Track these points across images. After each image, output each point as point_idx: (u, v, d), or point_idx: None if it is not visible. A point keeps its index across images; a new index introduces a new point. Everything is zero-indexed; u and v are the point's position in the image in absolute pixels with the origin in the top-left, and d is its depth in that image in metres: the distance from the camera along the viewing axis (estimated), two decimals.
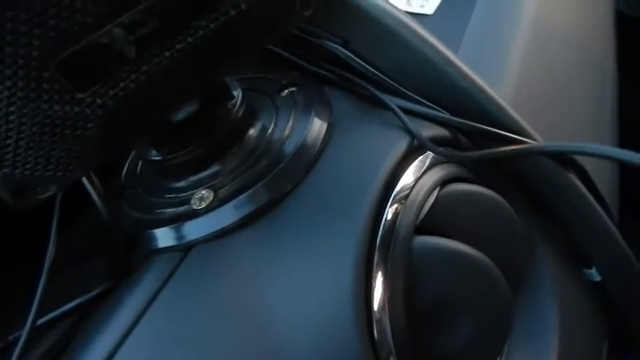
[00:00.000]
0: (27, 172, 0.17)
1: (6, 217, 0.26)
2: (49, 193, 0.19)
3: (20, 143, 0.16)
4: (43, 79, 0.15)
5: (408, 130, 0.27)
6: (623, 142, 0.47)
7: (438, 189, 0.26)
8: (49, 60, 0.15)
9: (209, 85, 0.25)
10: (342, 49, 0.29)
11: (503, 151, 0.25)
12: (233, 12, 0.18)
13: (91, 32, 0.15)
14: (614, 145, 0.45)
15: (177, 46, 0.17)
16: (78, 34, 0.15)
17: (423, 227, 0.25)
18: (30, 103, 0.15)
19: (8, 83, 0.15)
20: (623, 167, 0.45)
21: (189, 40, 0.18)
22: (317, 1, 0.21)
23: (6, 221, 0.26)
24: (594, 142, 0.44)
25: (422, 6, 0.45)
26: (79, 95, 0.16)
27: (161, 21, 0.17)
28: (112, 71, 0.17)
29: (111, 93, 0.17)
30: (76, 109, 0.16)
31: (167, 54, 0.17)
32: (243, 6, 0.18)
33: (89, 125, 0.17)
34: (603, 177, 0.37)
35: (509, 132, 0.28)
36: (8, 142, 0.16)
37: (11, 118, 0.15)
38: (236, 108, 0.26)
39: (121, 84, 0.17)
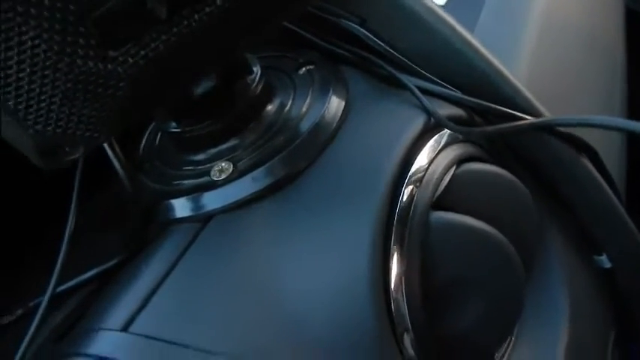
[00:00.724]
0: (58, 130, 0.17)
1: (28, 188, 0.26)
2: (76, 155, 0.19)
3: (54, 99, 0.16)
4: (79, 34, 0.15)
5: (424, 109, 0.27)
6: (632, 133, 0.47)
7: (454, 167, 0.27)
8: (85, 15, 0.15)
9: (230, 60, 0.25)
10: (360, 28, 0.29)
11: (520, 125, 0.26)
12: None
13: None
14: (622, 137, 0.45)
15: (207, 9, 0.18)
16: None
17: (439, 205, 0.26)
18: (65, 57, 0.15)
19: (45, 36, 0.15)
20: (631, 162, 0.45)
21: (219, 2, 0.18)
22: None
23: (30, 192, 0.26)
24: (603, 131, 0.44)
25: None
26: (112, 53, 0.16)
27: None
28: (143, 31, 0.17)
29: (142, 53, 0.17)
30: (109, 66, 0.16)
31: (197, 17, 0.18)
32: None
33: (120, 84, 0.17)
34: (612, 162, 0.38)
35: (524, 113, 0.28)
36: (43, 97, 0.16)
37: (47, 72, 0.16)
38: (255, 84, 0.27)
39: (152, 45, 0.17)
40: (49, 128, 0.17)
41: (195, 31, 0.18)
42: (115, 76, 0.17)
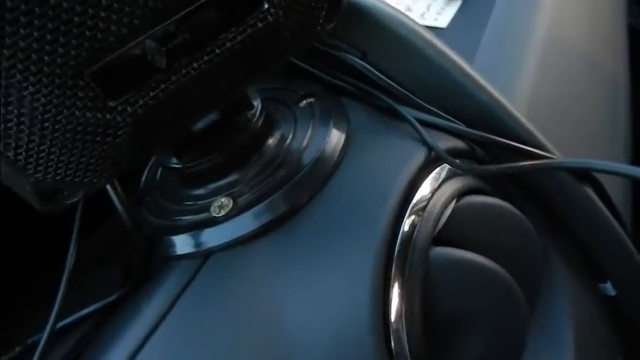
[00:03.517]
0: (58, 178, 0.17)
1: (28, 221, 0.26)
2: (75, 199, 0.19)
3: (53, 149, 0.16)
4: (78, 87, 0.15)
5: (425, 142, 0.27)
6: (637, 155, 0.47)
7: (455, 201, 0.26)
8: (84, 69, 0.15)
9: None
10: (360, 61, 0.29)
11: (523, 166, 0.25)
12: (260, 25, 0.19)
13: (124, 43, 0.16)
14: (628, 159, 0.45)
15: (206, 57, 0.18)
16: (112, 44, 0.16)
17: (440, 239, 0.25)
18: (64, 110, 0.16)
19: (45, 91, 0.15)
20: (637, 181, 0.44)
21: (218, 51, 0.18)
22: (340, 14, 0.22)
23: (27, 225, 0.26)
24: (608, 155, 0.44)
25: (435, 19, 0.46)
26: (111, 103, 0.16)
27: (191, 33, 0.17)
28: (143, 81, 0.17)
29: (141, 102, 0.17)
30: (108, 116, 0.16)
31: (196, 65, 0.18)
32: (270, 19, 0.19)
33: (119, 132, 0.17)
34: (616, 189, 0.37)
35: (526, 145, 0.28)
36: (42, 147, 0.16)
37: (46, 125, 0.16)
38: (255, 118, 0.27)
39: (151, 93, 0.17)
40: (49, 176, 0.17)
41: (195, 78, 0.18)
42: (114, 125, 0.17)
